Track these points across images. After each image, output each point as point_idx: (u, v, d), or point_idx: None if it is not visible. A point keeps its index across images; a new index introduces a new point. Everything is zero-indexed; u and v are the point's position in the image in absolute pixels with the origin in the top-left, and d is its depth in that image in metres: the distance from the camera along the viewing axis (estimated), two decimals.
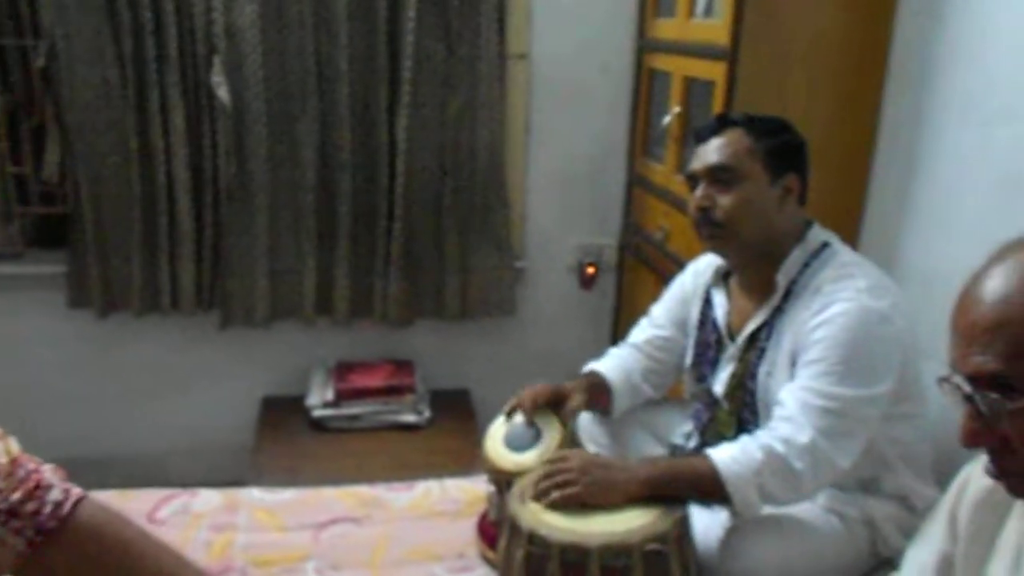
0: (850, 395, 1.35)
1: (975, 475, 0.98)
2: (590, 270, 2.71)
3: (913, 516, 1.50)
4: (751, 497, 1.34)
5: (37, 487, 0.97)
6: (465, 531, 1.71)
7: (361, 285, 2.55)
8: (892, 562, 1.47)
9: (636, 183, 2.62)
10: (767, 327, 1.51)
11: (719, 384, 1.60)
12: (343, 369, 2.60)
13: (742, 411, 1.57)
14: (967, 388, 0.79)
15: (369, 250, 2.53)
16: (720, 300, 1.63)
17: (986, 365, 0.77)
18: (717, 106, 1.99)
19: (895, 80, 1.94)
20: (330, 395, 2.52)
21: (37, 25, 2.27)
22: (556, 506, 1.34)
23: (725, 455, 1.37)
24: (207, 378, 2.65)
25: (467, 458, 2.31)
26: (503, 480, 1.54)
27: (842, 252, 1.50)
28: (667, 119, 2.27)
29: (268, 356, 2.66)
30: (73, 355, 2.54)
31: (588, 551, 1.24)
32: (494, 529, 1.65)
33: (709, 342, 1.63)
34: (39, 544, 0.94)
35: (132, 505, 1.61)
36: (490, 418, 2.58)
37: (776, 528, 1.43)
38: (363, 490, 1.83)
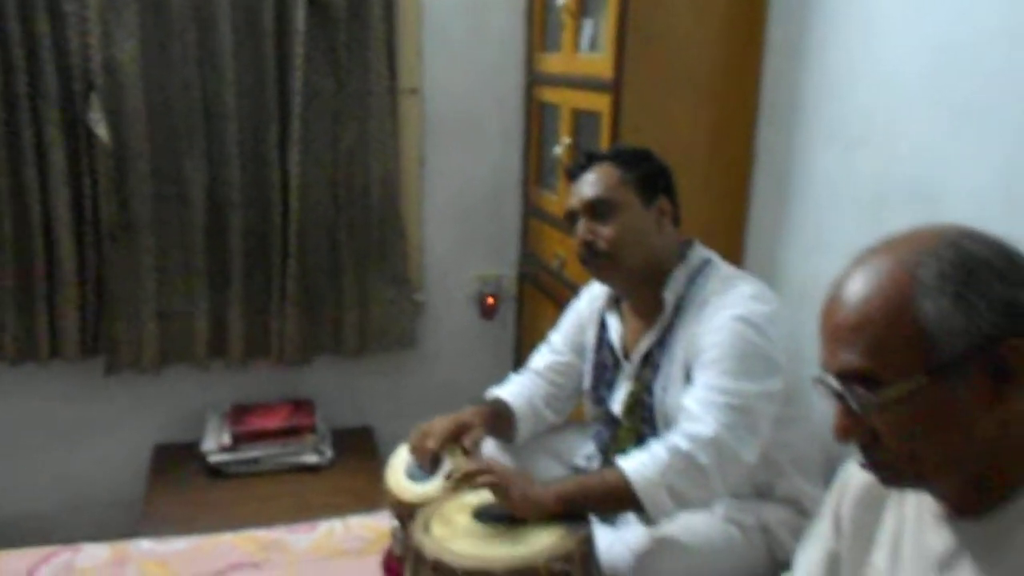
0: (749, 390, 1.41)
1: (855, 473, 1.04)
2: (490, 300, 2.73)
3: (805, 520, 1.56)
4: (662, 500, 1.36)
5: None
6: (370, 568, 1.67)
7: (256, 325, 2.49)
8: (787, 566, 1.53)
9: (532, 213, 2.67)
10: (660, 344, 1.56)
11: (617, 404, 1.64)
12: (239, 411, 2.52)
13: (641, 428, 1.61)
14: (836, 385, 0.84)
15: (264, 288, 2.48)
16: (614, 323, 1.68)
17: (851, 363, 0.82)
18: (604, 136, 2.06)
19: (767, 109, 2.06)
20: (227, 439, 2.43)
21: None
22: (477, 516, 1.36)
23: (633, 462, 1.40)
24: (93, 428, 2.52)
25: (371, 497, 2.26)
26: (406, 512, 1.52)
27: (723, 267, 1.58)
28: (558, 150, 2.33)
29: (159, 403, 2.55)
30: None
31: (490, 573, 1.23)
32: (399, 564, 1.63)
33: (606, 364, 1.67)
34: None
35: (9, 565, 1.50)
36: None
37: (680, 545, 1.46)
38: (262, 534, 1.77)
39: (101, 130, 2.17)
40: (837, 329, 0.84)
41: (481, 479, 1.38)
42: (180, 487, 2.38)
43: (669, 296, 1.55)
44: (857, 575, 1.01)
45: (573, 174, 1.61)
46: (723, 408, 1.41)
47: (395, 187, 2.52)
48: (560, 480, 1.48)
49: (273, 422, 2.48)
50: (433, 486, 1.52)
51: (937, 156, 1.57)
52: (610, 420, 1.68)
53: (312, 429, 2.50)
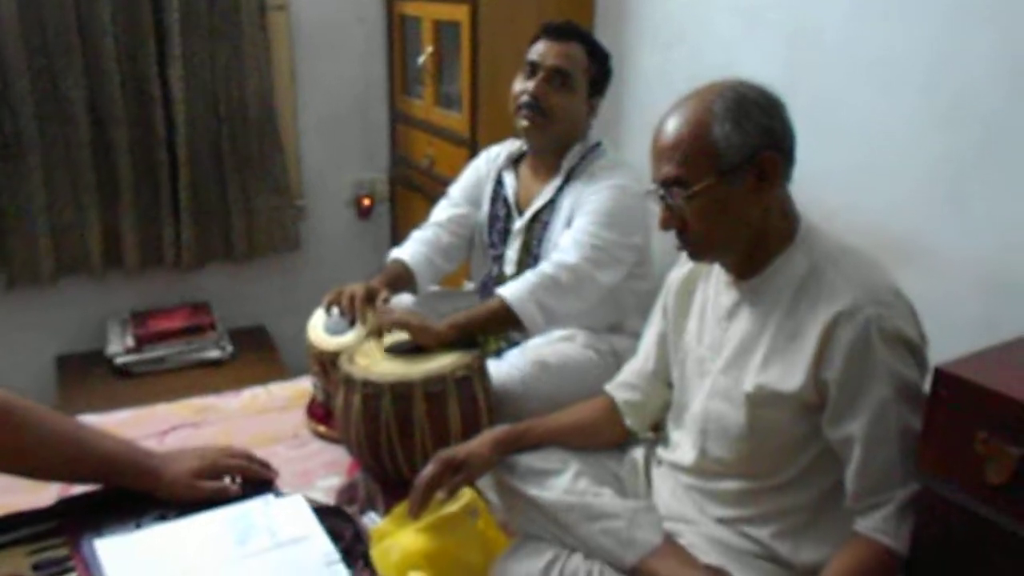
0: (611, 237, 1.79)
1: (674, 276, 1.44)
2: (366, 202, 3.00)
3: None
4: (533, 312, 1.73)
5: None
6: (295, 418, 1.97)
7: (149, 234, 2.65)
8: None
9: (399, 119, 2.94)
10: (550, 204, 1.91)
11: (509, 263, 1.98)
12: (140, 317, 2.69)
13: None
14: (660, 191, 1.22)
15: (154, 200, 2.63)
16: (510, 181, 2.00)
17: (670, 172, 1.20)
18: (465, 43, 2.36)
19: (602, 14, 2.42)
20: (130, 341, 2.61)
21: None
22: (389, 350, 1.67)
23: (507, 288, 1.76)
24: None
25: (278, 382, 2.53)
26: (327, 360, 1.82)
27: (609, 151, 1.93)
28: (421, 59, 2.61)
29: (60, 314, 2.67)
30: None
31: (412, 383, 1.57)
32: (321, 409, 1.94)
33: (499, 215, 2.00)
34: None
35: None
36: (289, 349, 2.83)
37: (554, 365, 1.84)
38: (195, 401, 2.02)
39: None
40: (661, 150, 1.21)
41: (389, 320, 1.70)
42: (89, 390, 2.53)
43: (565, 164, 1.89)
44: (677, 341, 1.42)
45: (550, 34, 1.86)
46: (586, 246, 1.78)
47: (270, 100, 2.71)
48: (450, 316, 1.81)
49: (174, 323, 2.67)
50: (349, 337, 1.83)
51: (732, 51, 1.99)
52: (499, 276, 2.02)
53: (212, 327, 2.71)
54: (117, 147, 2.52)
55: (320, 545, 1.09)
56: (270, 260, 2.90)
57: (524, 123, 1.88)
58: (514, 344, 1.97)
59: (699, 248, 1.26)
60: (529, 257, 1.97)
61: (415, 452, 1.59)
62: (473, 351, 1.69)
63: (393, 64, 2.90)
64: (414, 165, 2.84)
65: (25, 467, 1.21)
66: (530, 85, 1.86)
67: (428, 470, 1.36)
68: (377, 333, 1.78)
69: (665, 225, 1.24)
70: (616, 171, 1.88)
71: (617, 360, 1.98)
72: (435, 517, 1.36)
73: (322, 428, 1.91)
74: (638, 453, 1.51)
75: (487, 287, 2.08)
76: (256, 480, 1.27)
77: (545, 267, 1.78)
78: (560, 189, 1.92)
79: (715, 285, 1.35)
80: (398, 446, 1.59)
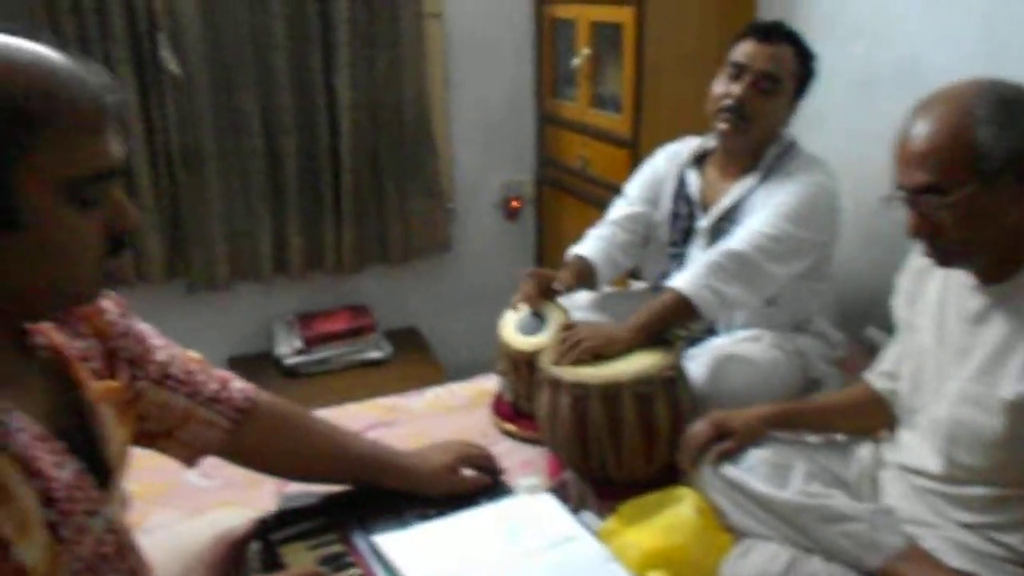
0: (792, 231, 1.75)
1: (912, 261, 1.41)
2: (515, 204, 3.04)
3: (829, 348, 1.97)
4: (708, 298, 1.71)
5: (224, 379, 1.20)
6: (481, 417, 2.01)
7: (312, 240, 2.75)
8: (817, 382, 1.94)
9: (547, 122, 2.97)
10: (740, 202, 1.88)
11: (692, 261, 1.97)
12: (304, 319, 2.80)
13: None
14: (910, 197, 1.20)
15: (317, 206, 2.73)
16: (694, 179, 1.98)
17: (923, 179, 1.17)
18: (628, 45, 2.37)
19: (765, 8, 2.39)
20: (299, 343, 2.71)
21: None
22: (578, 362, 1.68)
23: (677, 279, 1.76)
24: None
25: (432, 381, 2.59)
26: (522, 360, 1.86)
27: (804, 150, 1.89)
28: (576, 61, 2.63)
29: (231, 318, 2.80)
30: None
31: (622, 384, 1.59)
32: (510, 408, 1.97)
33: (681, 214, 1.99)
34: (239, 423, 1.18)
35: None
36: (442, 349, 2.90)
37: (740, 359, 1.83)
38: (381, 401, 2.08)
39: (173, 66, 2.37)
40: (912, 156, 1.18)
41: (575, 352, 1.69)
42: (263, 389, 2.65)
43: (763, 164, 1.87)
44: (910, 336, 1.39)
45: (759, 35, 1.81)
46: (759, 235, 1.75)
47: (425, 107, 2.78)
48: (629, 321, 1.78)
49: (337, 325, 2.77)
50: (543, 337, 1.86)
51: (918, 43, 1.94)
52: (669, 278, 2.02)
53: (372, 328, 2.80)
54: (286, 155, 2.63)
55: (590, 544, 1.12)
56: (422, 262, 2.97)
57: (724, 126, 1.84)
58: (696, 342, 1.96)
59: (952, 255, 1.23)
60: None
61: (623, 452, 1.60)
62: (673, 349, 1.70)
63: (542, 67, 2.93)
64: (564, 167, 2.87)
65: (291, 469, 1.27)
66: (735, 88, 1.81)
67: (700, 429, 1.43)
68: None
69: (916, 233, 1.21)
70: (814, 169, 1.84)
71: (803, 360, 1.95)
72: (671, 517, 1.38)
73: (511, 427, 1.94)
74: (864, 452, 1.49)
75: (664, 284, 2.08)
76: (491, 471, 1.32)
77: (711, 254, 1.77)
78: (753, 188, 1.90)
79: (956, 288, 1.31)
80: (607, 446, 1.60)
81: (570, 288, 1.93)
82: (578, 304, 2.02)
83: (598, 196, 2.66)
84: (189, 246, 2.58)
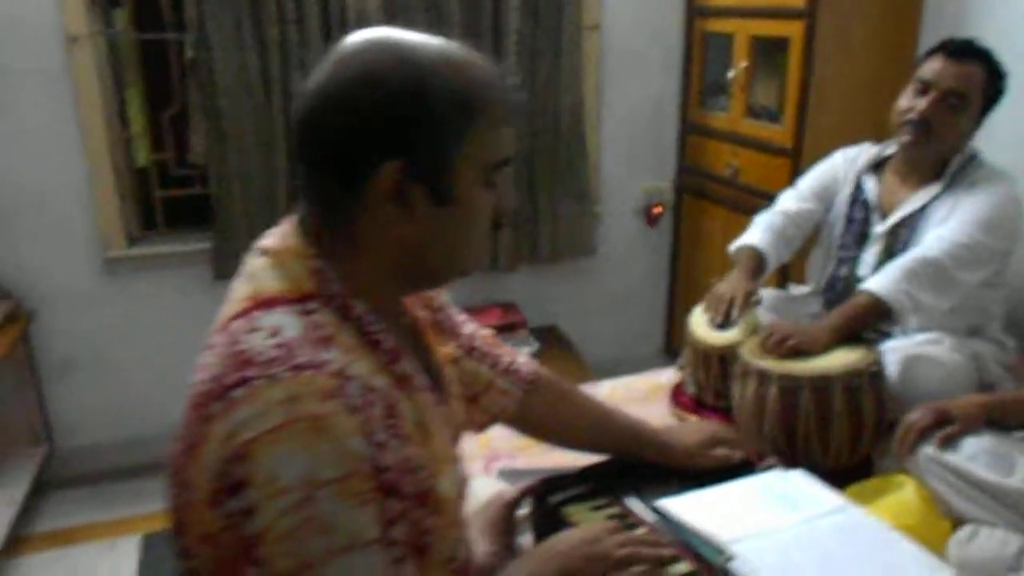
0: (983, 240, 1.82)
1: None
2: (657, 209, 3.14)
3: (1003, 353, 2.03)
4: (904, 302, 1.79)
5: (512, 353, 1.32)
6: (659, 408, 2.11)
7: None
8: (991, 387, 2.00)
9: (691, 131, 3.07)
10: (921, 211, 1.95)
11: (864, 267, 2.05)
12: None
13: None
14: None
15: None
16: (871, 185, 2.05)
17: None
18: (794, 58, 2.45)
19: (931, 24, 2.46)
20: None
21: (179, 19, 2.48)
22: (782, 356, 1.77)
23: (871, 282, 1.83)
24: None
25: (577, 377, 2.69)
26: (714, 355, 1.96)
27: (987, 161, 1.95)
28: (732, 73, 2.73)
29: None
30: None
31: (832, 377, 1.67)
32: (691, 399, 2.07)
33: (855, 218, 2.06)
34: (528, 392, 1.30)
35: None
36: (582, 347, 3.00)
37: (931, 363, 1.90)
38: None
39: None
40: None
41: (786, 345, 1.78)
42: None
43: (947, 174, 1.93)
44: None
45: (950, 52, 1.86)
46: (952, 243, 1.82)
47: (580, 115, 2.90)
48: (827, 316, 1.87)
49: (492, 320, 2.90)
50: (735, 333, 1.95)
51: None
52: (847, 279, 2.09)
53: (524, 325, 2.92)
54: None
55: (863, 513, 1.21)
56: (567, 264, 3.09)
57: (906, 139, 1.91)
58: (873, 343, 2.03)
59: None
60: (890, 261, 2.03)
61: (832, 441, 1.69)
62: (868, 347, 1.78)
63: (689, 78, 3.03)
64: (709, 174, 2.96)
65: (567, 437, 1.39)
66: (921, 103, 1.87)
67: (920, 416, 1.51)
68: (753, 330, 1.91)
69: None
70: (998, 180, 1.91)
71: (978, 364, 2.01)
72: (896, 501, 1.46)
73: (695, 418, 2.03)
74: None
75: (833, 287, 2.15)
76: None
77: (905, 260, 1.83)
78: (936, 197, 1.97)
79: None
80: (815, 437, 1.69)
81: (759, 299, 2.02)
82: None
83: (747, 203, 2.75)
84: None
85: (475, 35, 2.69)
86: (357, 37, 0.89)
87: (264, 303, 0.84)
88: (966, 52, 1.89)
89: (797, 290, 2.35)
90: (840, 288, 2.12)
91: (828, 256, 2.17)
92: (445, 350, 1.14)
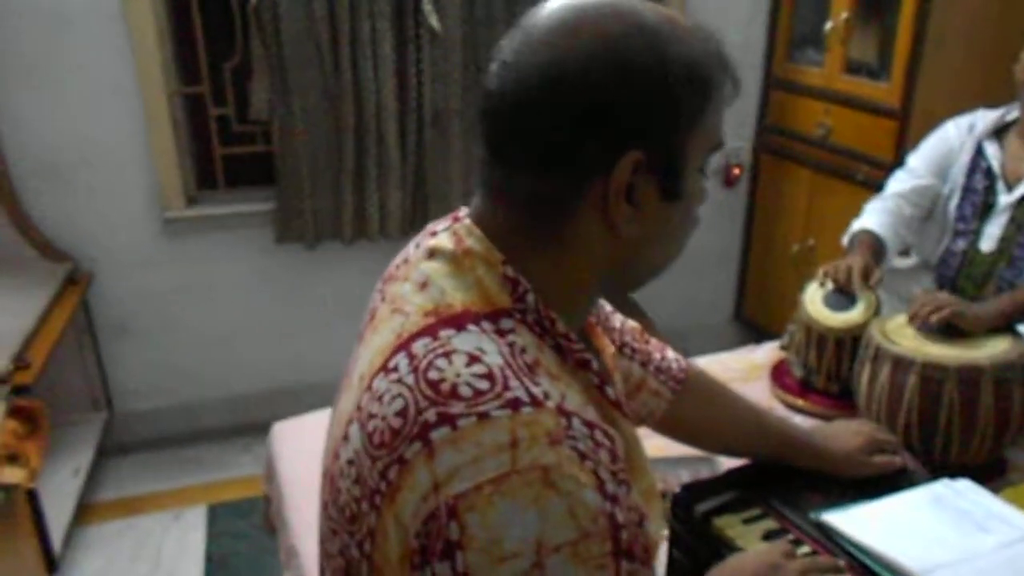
0: None
1: None
2: (736, 171, 2.97)
3: None
4: None
5: (662, 348, 1.19)
6: (760, 390, 1.98)
7: None
8: None
9: (776, 86, 2.87)
10: None
11: (988, 240, 1.90)
12: None
13: (1007, 258, 1.88)
14: None
15: None
16: (993, 151, 1.89)
17: None
18: (908, 11, 2.25)
19: None
20: None
21: None
22: (928, 336, 1.63)
23: None
24: None
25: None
26: (831, 337, 1.82)
27: None
28: (830, 23, 2.52)
29: None
30: (282, 288, 2.65)
31: (982, 369, 1.53)
32: (797, 382, 1.94)
33: (976, 188, 1.91)
34: (677, 392, 1.17)
35: None
36: (651, 312, 2.86)
37: None
38: None
39: (433, 20, 2.36)
40: None
41: (940, 314, 1.65)
42: None
43: None
44: None
45: None
46: None
47: None
48: (993, 300, 1.74)
49: None
50: (855, 314, 1.81)
51: None
52: (966, 253, 1.94)
53: None
54: None
55: None
56: None
57: None
58: None
59: None
60: (1020, 235, 1.87)
61: (974, 436, 1.56)
62: (1016, 338, 1.63)
63: (777, 27, 2.83)
64: (795, 134, 2.78)
65: (716, 441, 1.26)
66: None
67: None
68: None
69: None
70: None
71: None
72: None
73: (801, 402, 1.90)
74: None
75: (948, 262, 2.00)
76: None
77: None
78: None
79: None
80: (957, 431, 1.56)
81: (880, 278, 1.87)
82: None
83: (841, 166, 2.58)
84: (430, 205, 2.59)
85: None
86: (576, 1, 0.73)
87: (451, 320, 0.70)
88: None
89: (901, 262, 2.20)
90: (956, 264, 1.97)
91: (943, 229, 2.01)
92: (611, 349, 1.00)
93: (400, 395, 0.67)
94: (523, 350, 0.69)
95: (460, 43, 2.46)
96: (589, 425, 0.66)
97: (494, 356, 0.67)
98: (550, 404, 0.64)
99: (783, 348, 2.00)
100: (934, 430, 1.57)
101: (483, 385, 0.64)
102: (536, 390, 0.65)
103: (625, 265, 0.76)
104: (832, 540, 1.09)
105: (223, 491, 2.47)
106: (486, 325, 0.70)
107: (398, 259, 0.85)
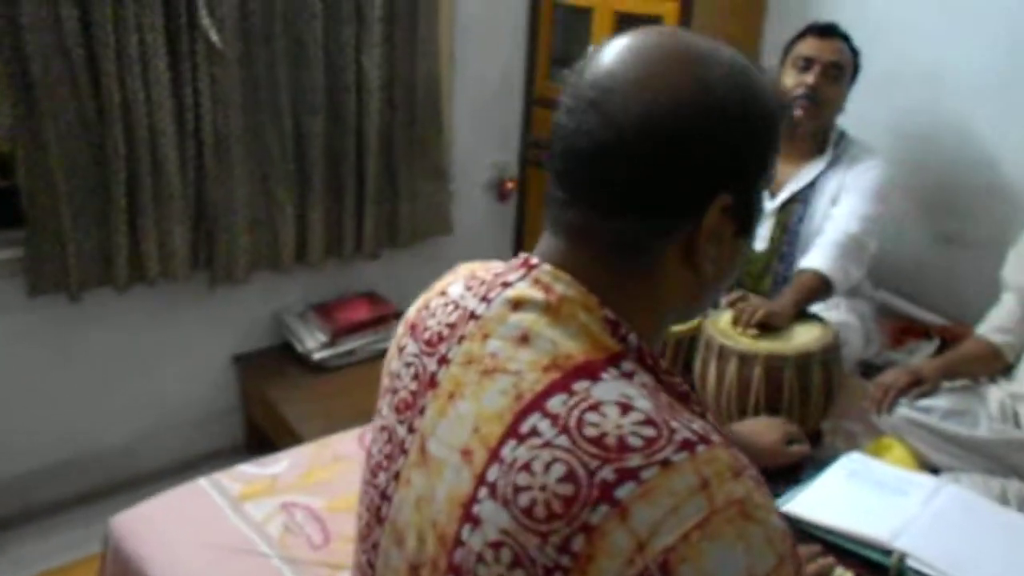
0: (881, 210, 2.10)
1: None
2: (509, 185, 3.07)
3: (874, 308, 2.31)
4: (842, 280, 2.00)
5: None
6: None
7: (332, 226, 2.60)
8: (872, 342, 2.27)
9: (537, 104, 3.02)
10: (811, 186, 2.15)
11: (760, 241, 2.19)
12: (320, 310, 2.64)
13: (777, 253, 2.19)
14: None
15: (338, 191, 2.58)
16: None
17: None
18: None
19: (774, 12, 2.65)
20: (323, 336, 2.57)
21: None
22: (749, 334, 1.84)
23: (816, 260, 2.00)
24: (174, 348, 2.48)
25: None
26: (671, 338, 1.96)
27: (855, 137, 2.20)
28: (591, 48, 2.71)
29: (243, 312, 2.57)
30: (42, 349, 2.20)
31: (812, 353, 1.77)
32: None
33: None
34: None
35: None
36: None
37: (842, 328, 2.10)
38: None
39: (214, 35, 2.12)
40: None
41: (756, 317, 1.86)
42: (286, 388, 2.47)
43: (831, 149, 2.14)
44: None
45: (823, 32, 2.11)
46: (863, 218, 2.07)
47: (436, 85, 2.71)
48: (783, 297, 1.98)
49: (359, 315, 2.65)
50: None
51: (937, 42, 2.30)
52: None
53: (396, 316, 2.71)
54: (312, 137, 2.45)
55: (955, 488, 1.30)
56: (425, 246, 2.91)
57: (799, 112, 2.11)
58: None
59: None
60: (786, 235, 2.20)
61: (808, 411, 1.80)
62: (823, 323, 1.91)
63: (536, 51, 2.97)
64: None
65: None
66: (808, 78, 2.10)
67: (897, 377, 1.70)
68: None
69: None
70: (873, 152, 2.16)
71: (862, 323, 2.27)
72: (898, 460, 1.60)
73: None
74: (995, 392, 1.81)
75: None
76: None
77: (835, 238, 2.03)
78: (823, 171, 2.16)
79: None
80: (796, 410, 1.79)
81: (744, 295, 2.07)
82: None
83: None
84: (217, 236, 2.33)
85: None
86: (655, 38, 0.72)
87: (577, 371, 0.67)
88: (833, 31, 2.15)
89: None
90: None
91: None
92: None
93: (557, 459, 0.63)
94: (654, 390, 0.68)
95: (237, 62, 2.24)
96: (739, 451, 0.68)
97: (641, 401, 0.65)
98: (716, 438, 0.64)
99: None
100: (777, 412, 1.79)
101: (650, 432, 0.63)
102: (695, 427, 0.64)
103: (696, 298, 0.78)
104: (798, 528, 1.20)
105: None
106: (613, 372, 0.67)
107: (434, 320, 0.81)
